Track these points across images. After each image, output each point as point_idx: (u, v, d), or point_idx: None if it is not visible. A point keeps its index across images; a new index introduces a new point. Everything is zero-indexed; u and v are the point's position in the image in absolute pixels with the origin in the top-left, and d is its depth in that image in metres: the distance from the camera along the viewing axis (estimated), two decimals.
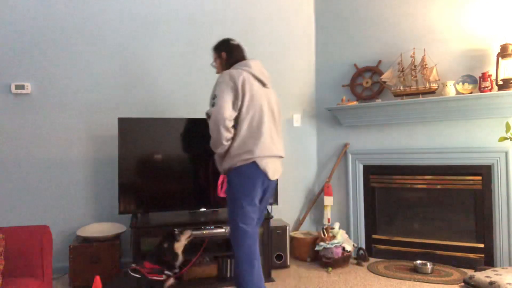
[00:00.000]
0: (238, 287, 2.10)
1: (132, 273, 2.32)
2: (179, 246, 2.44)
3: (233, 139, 2.14)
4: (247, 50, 3.68)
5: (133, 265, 2.37)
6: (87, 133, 3.17)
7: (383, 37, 3.49)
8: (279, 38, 3.74)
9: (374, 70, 3.50)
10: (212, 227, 2.82)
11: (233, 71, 2.18)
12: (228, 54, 2.33)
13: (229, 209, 2.19)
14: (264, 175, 2.15)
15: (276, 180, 2.37)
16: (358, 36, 3.61)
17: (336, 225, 3.33)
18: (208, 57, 3.50)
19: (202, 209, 3.00)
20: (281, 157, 2.29)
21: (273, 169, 2.20)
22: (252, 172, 2.13)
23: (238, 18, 3.61)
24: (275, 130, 2.27)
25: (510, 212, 2.92)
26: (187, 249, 2.54)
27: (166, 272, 2.34)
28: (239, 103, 2.11)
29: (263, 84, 2.26)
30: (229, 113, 2.08)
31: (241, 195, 2.13)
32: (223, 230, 2.82)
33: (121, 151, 2.80)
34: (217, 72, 2.39)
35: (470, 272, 2.88)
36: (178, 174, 2.93)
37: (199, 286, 2.74)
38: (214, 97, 2.14)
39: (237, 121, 2.13)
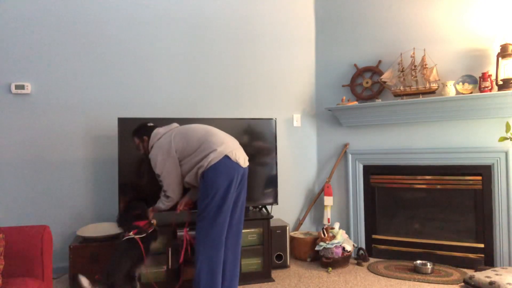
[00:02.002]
0: None
1: (132, 236, 2.35)
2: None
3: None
4: (248, 51, 3.71)
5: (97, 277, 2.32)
6: (87, 133, 3.17)
7: (383, 37, 3.49)
8: (279, 38, 3.74)
9: (374, 70, 3.50)
10: None
11: (161, 140, 2.43)
12: (149, 136, 2.52)
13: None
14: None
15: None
16: (358, 36, 3.61)
17: (336, 225, 3.33)
18: (208, 57, 3.52)
19: None
20: None
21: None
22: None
23: (238, 18, 3.61)
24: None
25: (510, 212, 2.92)
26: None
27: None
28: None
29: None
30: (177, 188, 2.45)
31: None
32: None
33: (121, 151, 2.80)
34: (144, 153, 2.57)
35: (470, 272, 2.88)
36: None
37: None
38: (158, 176, 2.41)
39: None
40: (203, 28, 3.50)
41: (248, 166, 2.49)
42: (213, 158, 2.27)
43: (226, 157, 2.29)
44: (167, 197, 2.45)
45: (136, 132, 2.56)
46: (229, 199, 2.30)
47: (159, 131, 2.47)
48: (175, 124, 2.57)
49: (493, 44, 3.01)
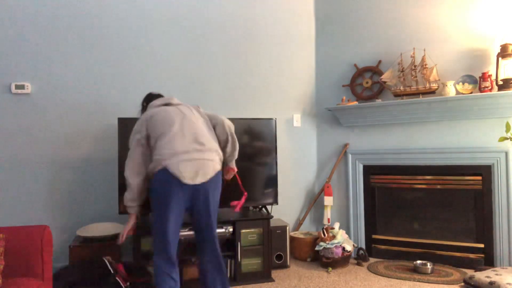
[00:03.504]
0: None
1: (106, 261, 2.42)
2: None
3: None
4: (247, 51, 3.71)
5: (109, 258, 2.48)
6: (87, 133, 3.16)
7: (383, 37, 3.49)
8: (279, 39, 3.74)
9: (374, 70, 3.50)
10: None
11: (145, 113, 2.30)
12: (147, 104, 2.47)
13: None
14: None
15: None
16: (358, 36, 3.61)
17: (336, 225, 3.33)
18: (208, 57, 3.52)
19: None
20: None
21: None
22: None
23: (238, 18, 3.61)
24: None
25: (510, 212, 2.92)
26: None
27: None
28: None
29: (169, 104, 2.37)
30: None
31: None
32: (223, 230, 2.82)
33: (121, 151, 2.80)
34: None
35: (470, 272, 2.88)
36: None
37: (199, 286, 2.73)
38: None
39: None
40: (203, 28, 3.50)
41: (215, 177, 2.15)
42: (155, 166, 2.08)
43: (165, 170, 2.03)
44: (128, 183, 2.21)
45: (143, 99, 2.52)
46: (171, 215, 2.07)
47: (154, 103, 2.30)
48: (175, 101, 2.35)
49: (493, 44, 3.01)
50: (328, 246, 3.12)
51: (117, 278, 2.38)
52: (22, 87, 3.01)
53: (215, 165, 2.17)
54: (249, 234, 2.90)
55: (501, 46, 2.90)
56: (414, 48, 3.28)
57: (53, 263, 2.93)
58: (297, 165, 3.78)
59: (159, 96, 2.48)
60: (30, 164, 3.04)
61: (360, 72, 3.57)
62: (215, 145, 2.22)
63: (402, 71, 3.27)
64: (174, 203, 2.05)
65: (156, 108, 2.27)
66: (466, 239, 3.11)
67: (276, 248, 3.15)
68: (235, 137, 2.37)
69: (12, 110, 3.01)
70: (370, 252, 3.44)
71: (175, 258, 2.10)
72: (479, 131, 3.04)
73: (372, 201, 3.50)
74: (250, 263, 2.88)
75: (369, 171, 3.51)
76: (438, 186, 3.22)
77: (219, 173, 2.21)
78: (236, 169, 2.50)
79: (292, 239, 3.41)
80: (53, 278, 2.29)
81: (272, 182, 3.17)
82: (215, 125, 2.32)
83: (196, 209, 2.13)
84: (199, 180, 2.07)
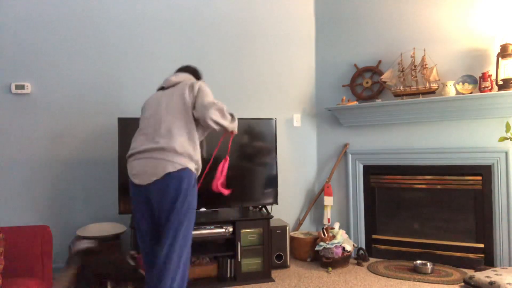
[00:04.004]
0: None
1: (130, 259, 2.37)
2: None
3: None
4: (247, 51, 3.71)
5: (133, 252, 2.41)
6: (87, 133, 3.17)
7: (383, 37, 3.49)
8: (279, 38, 3.74)
9: (374, 70, 3.50)
10: (212, 227, 2.82)
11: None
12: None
13: (187, 227, 1.91)
14: None
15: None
16: (358, 36, 3.61)
17: (336, 225, 3.33)
18: (209, 57, 3.51)
19: (202, 209, 3.00)
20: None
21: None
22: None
23: (238, 18, 3.61)
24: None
25: (510, 212, 2.91)
26: None
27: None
28: None
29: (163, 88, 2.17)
30: None
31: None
32: (223, 230, 2.82)
33: (121, 151, 2.80)
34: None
35: (470, 272, 2.88)
36: None
37: (199, 286, 2.74)
38: (214, 103, 2.00)
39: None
40: (203, 28, 3.50)
41: (162, 181, 1.86)
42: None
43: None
44: (232, 116, 2.10)
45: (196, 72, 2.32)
46: (138, 219, 1.98)
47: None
48: (171, 81, 2.14)
49: (493, 44, 3.00)
50: (328, 246, 3.12)
51: (141, 272, 2.34)
52: (22, 87, 3.01)
53: (166, 166, 1.85)
54: (249, 234, 2.90)
55: (501, 46, 2.89)
56: (414, 48, 3.28)
57: (53, 263, 2.93)
58: (297, 165, 3.78)
59: (178, 70, 2.29)
60: (30, 164, 3.04)
61: (360, 72, 3.57)
62: (175, 145, 1.89)
63: (402, 71, 3.27)
64: (134, 205, 1.97)
65: (153, 94, 2.17)
66: (466, 239, 3.11)
67: (276, 248, 3.15)
68: (225, 123, 2.03)
69: (12, 110, 3.01)
70: (370, 252, 3.44)
71: (149, 264, 1.95)
72: (479, 131, 3.04)
73: (372, 201, 3.49)
74: (250, 263, 2.88)
75: (369, 171, 3.51)
76: (438, 186, 3.22)
77: (173, 177, 1.86)
78: (234, 132, 2.17)
79: (292, 239, 3.40)
80: (81, 269, 2.31)
81: (272, 182, 3.17)
82: (198, 118, 1.99)
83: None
84: (146, 180, 1.86)
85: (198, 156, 1.98)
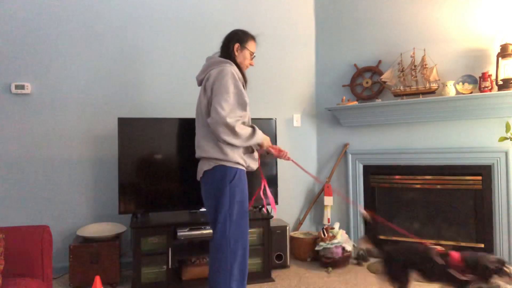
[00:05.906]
0: None
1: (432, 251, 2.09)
2: None
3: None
4: None
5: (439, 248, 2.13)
6: (87, 133, 3.17)
7: (383, 37, 3.49)
8: (279, 38, 3.74)
9: (374, 70, 3.50)
10: None
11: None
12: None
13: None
14: None
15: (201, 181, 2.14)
16: (358, 36, 3.61)
17: (336, 225, 3.33)
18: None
19: (202, 209, 3.00)
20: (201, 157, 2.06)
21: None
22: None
23: (238, 18, 3.61)
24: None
25: (510, 212, 2.92)
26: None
27: None
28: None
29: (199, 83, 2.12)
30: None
31: None
32: None
33: (121, 151, 2.80)
34: None
35: None
36: (178, 174, 2.93)
37: (199, 286, 2.74)
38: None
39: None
40: (203, 27, 3.50)
41: (203, 179, 2.05)
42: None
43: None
44: (254, 129, 2.01)
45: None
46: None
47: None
48: (206, 66, 2.07)
49: (493, 44, 3.00)
50: (328, 246, 3.12)
51: (450, 271, 2.01)
52: (22, 87, 3.01)
53: (202, 165, 2.01)
54: (249, 234, 2.89)
55: (501, 46, 2.90)
56: (414, 48, 3.28)
57: (53, 263, 2.93)
58: None
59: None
60: (30, 164, 3.04)
61: (360, 72, 3.57)
62: (202, 143, 1.97)
63: (402, 71, 3.27)
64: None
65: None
66: (466, 239, 3.11)
67: (276, 248, 3.15)
68: (237, 142, 1.92)
69: (12, 110, 3.01)
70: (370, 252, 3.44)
71: None
72: (479, 131, 3.04)
73: (372, 201, 3.50)
74: (250, 263, 2.88)
75: (369, 171, 3.51)
76: (438, 186, 3.22)
77: (209, 174, 1.96)
78: (261, 151, 2.17)
79: (292, 239, 3.40)
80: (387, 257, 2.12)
81: (272, 182, 3.16)
82: None
83: None
84: (199, 175, 2.08)
85: (232, 154, 1.93)
